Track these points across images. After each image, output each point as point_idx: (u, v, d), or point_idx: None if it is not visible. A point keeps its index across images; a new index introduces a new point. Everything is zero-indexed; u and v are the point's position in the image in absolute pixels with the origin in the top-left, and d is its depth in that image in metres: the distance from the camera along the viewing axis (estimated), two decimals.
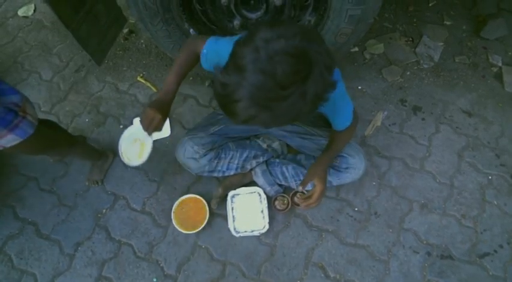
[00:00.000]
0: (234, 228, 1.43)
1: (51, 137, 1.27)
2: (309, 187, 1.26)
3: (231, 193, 1.48)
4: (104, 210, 1.56)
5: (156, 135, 1.64)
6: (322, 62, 0.64)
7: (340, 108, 1.07)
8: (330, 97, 0.70)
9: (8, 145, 1.04)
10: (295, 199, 1.44)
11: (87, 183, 1.60)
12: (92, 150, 1.56)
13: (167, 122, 1.71)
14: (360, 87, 1.80)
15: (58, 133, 1.48)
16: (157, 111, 0.99)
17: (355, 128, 1.22)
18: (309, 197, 1.19)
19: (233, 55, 0.66)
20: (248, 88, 0.61)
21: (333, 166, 1.33)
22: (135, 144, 1.24)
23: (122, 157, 1.21)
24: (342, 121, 1.13)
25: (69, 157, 1.65)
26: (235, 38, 0.73)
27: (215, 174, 1.44)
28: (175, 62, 1.10)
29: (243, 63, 0.61)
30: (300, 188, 1.23)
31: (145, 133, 1.04)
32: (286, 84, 0.61)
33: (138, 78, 1.90)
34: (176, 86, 1.07)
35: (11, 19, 2.22)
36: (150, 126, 1.01)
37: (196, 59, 1.09)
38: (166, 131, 1.70)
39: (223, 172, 1.44)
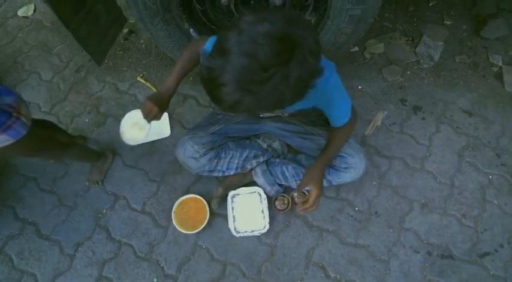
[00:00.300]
0: (235, 228, 1.43)
1: (44, 138, 1.27)
2: (309, 187, 1.26)
3: (231, 193, 1.48)
4: (104, 211, 1.56)
5: (156, 136, 1.67)
6: (306, 46, 0.64)
7: (335, 101, 1.06)
8: (316, 84, 0.70)
9: (0, 146, 1.04)
10: (295, 199, 1.43)
11: (87, 184, 1.60)
12: (90, 151, 1.56)
13: (167, 122, 1.71)
14: (360, 87, 1.80)
15: (52, 134, 1.47)
16: (155, 104, 1.08)
17: (353, 126, 1.21)
18: (306, 201, 1.18)
19: (219, 40, 0.66)
20: (232, 72, 0.62)
21: (333, 166, 1.33)
22: (135, 127, 1.38)
23: (121, 135, 1.35)
24: (338, 116, 1.12)
25: (65, 159, 1.65)
26: None
27: (215, 174, 1.44)
28: (178, 61, 1.14)
29: (228, 46, 0.62)
30: (296, 194, 1.22)
31: (145, 120, 1.16)
32: (267, 66, 0.61)
33: (138, 78, 1.90)
34: (176, 84, 1.13)
35: (11, 19, 2.22)
36: (148, 116, 1.12)
37: (197, 59, 1.12)
38: (166, 131, 1.70)
39: (224, 172, 1.44)
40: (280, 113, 1.32)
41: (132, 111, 1.34)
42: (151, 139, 1.67)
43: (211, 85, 0.65)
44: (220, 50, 0.64)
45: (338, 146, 1.24)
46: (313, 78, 0.69)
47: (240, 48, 0.61)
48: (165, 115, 1.72)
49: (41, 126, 1.42)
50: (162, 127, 1.69)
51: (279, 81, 0.63)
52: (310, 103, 1.08)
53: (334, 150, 1.23)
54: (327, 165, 1.26)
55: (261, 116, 1.37)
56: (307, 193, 1.29)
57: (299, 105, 1.09)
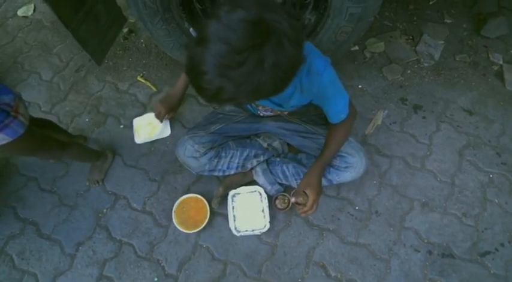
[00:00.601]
0: (235, 228, 1.43)
1: (42, 138, 1.26)
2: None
3: (231, 192, 1.48)
4: (105, 210, 1.56)
5: (157, 136, 1.67)
6: (282, 32, 0.64)
7: (331, 96, 1.05)
8: (298, 73, 0.71)
9: None
10: (292, 199, 1.42)
11: (87, 183, 1.61)
12: (90, 151, 1.56)
13: (167, 122, 1.71)
14: (360, 86, 1.80)
15: (51, 134, 1.47)
16: (163, 107, 1.28)
17: (351, 122, 1.20)
18: (304, 205, 1.18)
19: (199, 30, 0.68)
20: (210, 59, 0.63)
21: (333, 165, 1.33)
22: (148, 126, 1.63)
23: (134, 134, 1.60)
24: (335, 111, 1.11)
25: (64, 159, 1.65)
26: None
27: (216, 174, 1.44)
28: (184, 71, 1.20)
29: (206, 34, 0.63)
30: (293, 200, 1.23)
31: (157, 120, 1.38)
32: (240, 49, 0.62)
33: (138, 78, 1.89)
34: (183, 87, 1.31)
35: (10, 19, 2.23)
36: (159, 117, 1.33)
37: None
38: (166, 131, 1.70)
39: (224, 171, 1.44)
40: (280, 112, 1.32)
41: (147, 113, 1.61)
42: (152, 139, 1.68)
43: (193, 74, 0.67)
44: (199, 39, 0.65)
45: (337, 145, 1.23)
46: (293, 66, 0.69)
47: (217, 35, 0.62)
48: None
49: (40, 125, 1.42)
50: (162, 127, 1.69)
51: (254, 65, 0.63)
52: (306, 99, 1.08)
53: (333, 150, 1.22)
54: (325, 167, 1.26)
55: (261, 115, 1.37)
56: (307, 194, 1.29)
57: (295, 101, 1.09)
